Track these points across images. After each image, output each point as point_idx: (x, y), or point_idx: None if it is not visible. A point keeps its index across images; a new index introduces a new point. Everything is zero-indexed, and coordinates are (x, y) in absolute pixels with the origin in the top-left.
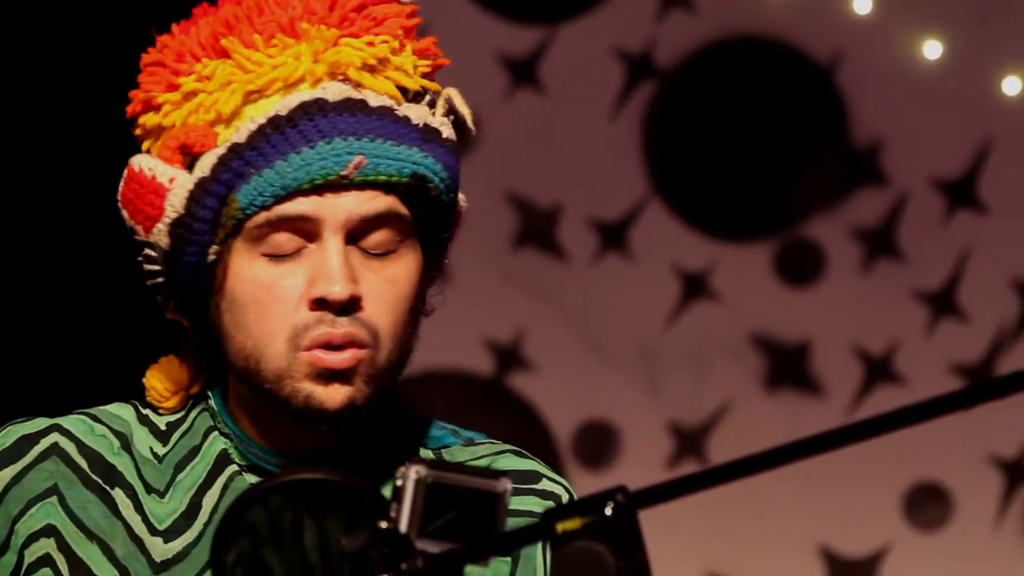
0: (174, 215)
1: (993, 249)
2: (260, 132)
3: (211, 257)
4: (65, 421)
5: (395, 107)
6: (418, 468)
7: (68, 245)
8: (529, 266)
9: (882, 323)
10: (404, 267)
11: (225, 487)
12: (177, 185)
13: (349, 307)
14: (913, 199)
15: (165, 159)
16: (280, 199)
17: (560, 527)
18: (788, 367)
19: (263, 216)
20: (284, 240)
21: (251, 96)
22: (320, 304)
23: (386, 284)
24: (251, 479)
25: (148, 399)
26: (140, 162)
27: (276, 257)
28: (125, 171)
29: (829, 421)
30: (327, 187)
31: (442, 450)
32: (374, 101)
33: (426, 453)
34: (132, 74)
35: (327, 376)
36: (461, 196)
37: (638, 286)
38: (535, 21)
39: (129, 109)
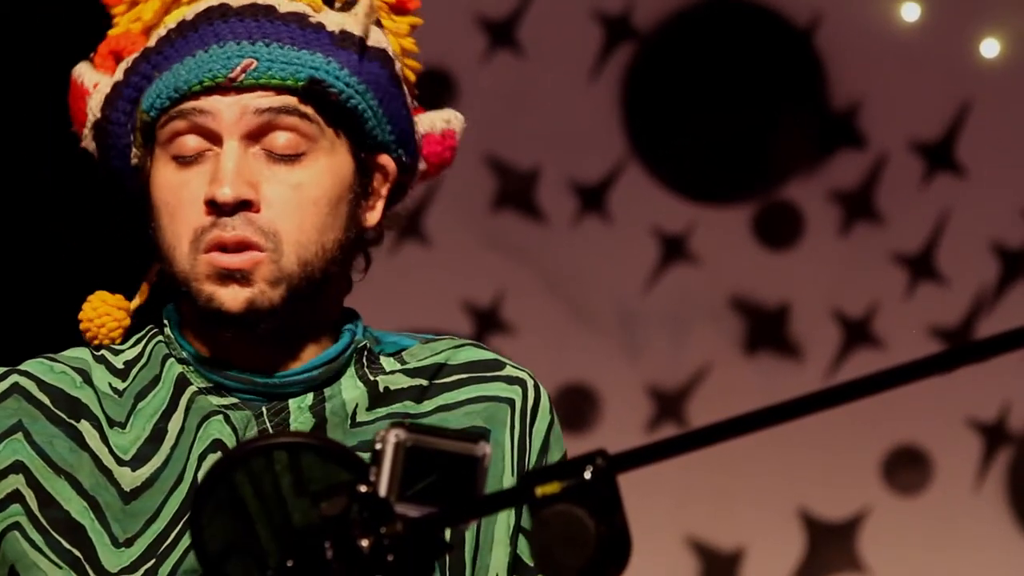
0: (93, 119)
1: (972, 212)
2: (167, 37)
3: (133, 161)
4: (23, 365)
5: (309, 14)
6: (397, 432)
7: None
8: (508, 229)
9: (861, 286)
10: (314, 172)
11: (188, 409)
12: (98, 90)
13: (239, 208)
14: (892, 162)
15: (97, 65)
16: (176, 101)
17: (539, 491)
18: (767, 330)
19: (165, 117)
20: (190, 142)
21: (171, 4)
22: (213, 206)
23: (291, 189)
24: (213, 399)
25: (85, 330)
26: (77, 70)
27: (183, 160)
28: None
29: (808, 384)
30: (219, 89)
31: (402, 352)
32: (284, 7)
33: (387, 359)
34: None
35: (224, 276)
36: (447, 117)
37: (617, 249)
38: None
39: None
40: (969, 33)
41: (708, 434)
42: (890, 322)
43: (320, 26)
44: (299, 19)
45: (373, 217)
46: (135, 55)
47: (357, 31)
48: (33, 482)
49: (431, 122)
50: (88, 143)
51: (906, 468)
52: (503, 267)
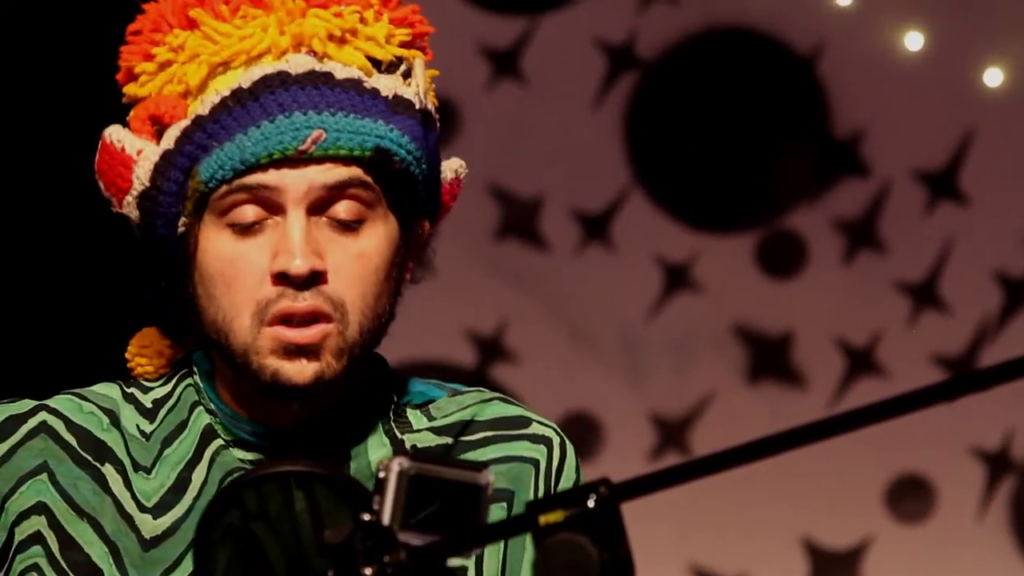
0: (141, 188)
1: (975, 241)
2: (223, 105)
3: (180, 229)
4: (52, 401)
5: (363, 79)
6: (401, 460)
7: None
8: (511, 257)
9: (864, 315)
10: (374, 241)
11: (211, 462)
12: (143, 158)
13: (311, 281)
14: (895, 190)
15: (135, 130)
16: (240, 173)
17: (543, 519)
18: (770, 359)
19: (225, 188)
20: (248, 212)
21: (217, 69)
22: (282, 278)
23: (354, 258)
24: (237, 454)
25: (131, 367)
26: (112, 133)
27: (241, 230)
28: (100, 142)
29: (811, 413)
30: (286, 161)
31: (428, 405)
32: (340, 73)
33: (414, 413)
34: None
35: (292, 352)
36: (456, 167)
37: (620, 277)
38: (517, 12)
39: (118, 77)
40: (972, 62)
41: (711, 463)
42: (893, 351)
43: (375, 92)
44: (356, 85)
45: (418, 274)
46: (184, 122)
47: (411, 96)
48: (55, 524)
49: (443, 172)
50: (130, 211)
51: (909, 497)
52: (506, 295)
